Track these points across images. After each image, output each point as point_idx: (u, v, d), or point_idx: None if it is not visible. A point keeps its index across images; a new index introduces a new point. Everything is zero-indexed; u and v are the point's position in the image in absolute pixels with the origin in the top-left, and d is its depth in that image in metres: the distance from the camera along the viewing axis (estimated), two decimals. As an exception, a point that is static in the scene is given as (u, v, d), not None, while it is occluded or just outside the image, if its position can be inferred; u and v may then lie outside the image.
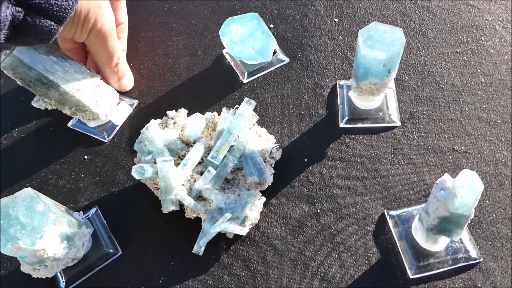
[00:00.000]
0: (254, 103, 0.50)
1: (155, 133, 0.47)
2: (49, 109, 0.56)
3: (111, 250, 0.49)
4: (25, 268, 0.45)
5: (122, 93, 0.62)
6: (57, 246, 0.43)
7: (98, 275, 0.48)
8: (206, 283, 0.46)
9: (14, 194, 0.43)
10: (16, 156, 0.59)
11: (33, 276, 0.45)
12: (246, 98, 0.50)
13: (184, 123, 0.50)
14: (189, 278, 0.47)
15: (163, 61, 0.65)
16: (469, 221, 0.38)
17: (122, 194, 0.54)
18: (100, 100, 0.57)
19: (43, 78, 0.51)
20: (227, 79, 0.62)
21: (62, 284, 0.48)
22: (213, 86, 0.61)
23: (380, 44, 0.45)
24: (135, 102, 0.62)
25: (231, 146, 0.48)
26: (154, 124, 0.48)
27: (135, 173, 0.45)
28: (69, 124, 0.61)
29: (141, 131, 0.49)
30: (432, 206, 0.39)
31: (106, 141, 0.59)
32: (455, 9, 0.62)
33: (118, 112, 0.59)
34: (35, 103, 0.55)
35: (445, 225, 0.39)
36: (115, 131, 0.59)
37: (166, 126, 0.50)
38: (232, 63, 0.63)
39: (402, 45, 0.45)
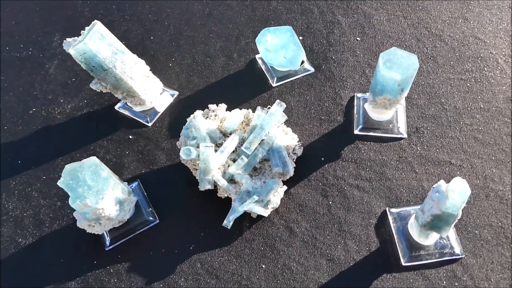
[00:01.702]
0: (284, 105, 0.58)
1: (201, 122, 0.55)
2: (103, 92, 0.64)
3: (151, 218, 0.58)
4: (82, 224, 0.53)
5: (165, 84, 0.70)
6: (112, 208, 0.51)
7: (138, 238, 0.57)
8: (230, 253, 0.55)
9: (82, 161, 0.51)
10: (68, 131, 0.67)
11: (87, 231, 0.53)
12: (277, 101, 0.58)
13: (223, 116, 0.59)
14: (215, 248, 0.55)
15: (202, 59, 0.73)
16: (456, 221, 0.46)
17: (161, 172, 0.62)
18: (148, 89, 0.65)
19: (104, 65, 0.59)
20: (258, 81, 0.70)
21: (107, 242, 0.56)
22: (245, 87, 0.69)
23: (397, 67, 0.54)
24: (176, 93, 0.70)
25: (262, 140, 0.56)
26: (199, 114, 0.57)
27: (183, 153, 0.53)
28: (116, 107, 0.69)
29: (187, 119, 0.58)
30: (427, 205, 0.48)
31: (148, 124, 0.67)
32: (465, 40, 0.70)
33: (161, 100, 0.68)
34: (93, 85, 0.63)
35: (437, 223, 0.47)
36: (156, 117, 0.68)
37: (208, 117, 0.58)
38: (263, 67, 0.71)
39: (416, 70, 0.54)
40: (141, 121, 0.67)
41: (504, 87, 0.64)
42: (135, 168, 0.63)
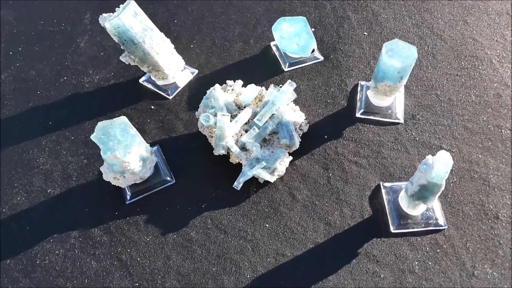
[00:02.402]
0: (294, 84, 0.64)
1: (219, 93, 0.62)
2: (131, 64, 0.71)
3: (168, 178, 0.64)
4: (108, 177, 0.59)
5: (186, 63, 0.77)
6: (137, 163, 0.58)
7: (155, 195, 0.63)
8: (238, 213, 0.61)
9: (112, 119, 0.57)
10: (95, 99, 0.74)
11: (112, 183, 0.60)
12: (289, 80, 0.64)
13: (239, 91, 0.65)
14: (225, 207, 0.61)
15: (221, 43, 0.80)
16: (440, 192, 0.52)
17: (179, 139, 0.68)
18: (171, 65, 0.71)
19: (135, 40, 0.66)
20: (271, 66, 0.76)
21: (128, 196, 0.62)
22: (259, 69, 0.76)
23: (398, 55, 0.60)
24: (196, 71, 0.76)
25: (272, 114, 0.63)
26: (218, 87, 0.63)
27: (202, 119, 0.59)
28: (141, 80, 0.76)
29: (207, 90, 0.64)
30: (416, 177, 0.54)
31: (169, 97, 0.73)
32: (463, 40, 0.76)
33: (182, 76, 0.74)
34: (122, 58, 0.70)
35: (423, 192, 0.53)
36: (177, 91, 0.74)
37: (226, 91, 0.65)
38: (277, 54, 0.77)
39: (414, 60, 0.60)
40: (162, 94, 0.74)
41: (495, 84, 0.70)
42: (156, 134, 0.69)
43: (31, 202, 0.63)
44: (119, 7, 0.66)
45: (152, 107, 0.72)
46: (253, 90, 0.64)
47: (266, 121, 0.62)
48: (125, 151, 0.55)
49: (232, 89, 0.65)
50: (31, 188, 0.64)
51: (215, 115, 0.61)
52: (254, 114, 0.64)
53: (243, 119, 0.62)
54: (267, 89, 0.67)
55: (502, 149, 0.64)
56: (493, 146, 0.64)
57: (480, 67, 0.73)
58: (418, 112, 0.69)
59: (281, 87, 0.65)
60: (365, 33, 0.79)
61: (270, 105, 0.63)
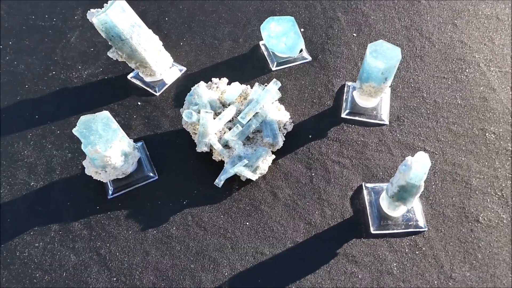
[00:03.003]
0: (279, 83, 0.64)
1: (203, 90, 0.62)
2: (119, 60, 0.71)
3: (151, 174, 0.64)
4: (89, 171, 0.59)
5: (175, 60, 0.77)
6: (118, 158, 0.58)
7: (137, 191, 0.63)
8: (219, 210, 0.61)
9: (94, 114, 0.58)
10: (83, 94, 0.74)
11: (94, 177, 0.60)
12: (274, 79, 0.64)
13: (224, 88, 0.65)
14: (206, 204, 0.61)
15: (210, 41, 0.80)
16: (419, 194, 0.52)
17: (164, 136, 0.68)
18: (159, 61, 0.71)
19: (122, 36, 0.66)
20: (259, 65, 0.76)
21: (110, 191, 0.63)
22: (247, 68, 0.76)
23: (382, 56, 0.60)
24: (184, 68, 0.77)
25: (256, 113, 0.63)
26: (202, 84, 0.63)
27: (185, 116, 0.59)
28: (129, 76, 0.76)
29: (192, 87, 0.64)
30: (396, 178, 0.54)
31: (156, 94, 0.73)
32: (451, 44, 0.76)
33: (170, 73, 0.74)
34: (110, 54, 0.70)
35: (402, 193, 0.53)
36: (164, 88, 0.74)
37: (210, 88, 0.65)
38: (265, 53, 0.77)
39: (398, 61, 0.60)
40: (150, 90, 0.74)
41: (481, 88, 0.70)
42: (141, 130, 0.69)
43: (13, 194, 0.63)
44: (107, 3, 0.66)
45: (139, 103, 0.73)
46: (237, 88, 0.64)
47: (250, 119, 0.62)
48: (106, 146, 0.55)
49: (217, 87, 0.65)
50: (14, 181, 0.65)
51: (199, 112, 0.62)
52: (239, 113, 0.64)
53: (226, 116, 0.62)
54: (252, 88, 0.68)
55: (486, 152, 0.64)
56: (476, 149, 0.64)
57: (467, 71, 0.73)
58: (403, 113, 0.69)
59: (266, 85, 0.65)
60: (354, 34, 0.79)
61: (254, 104, 0.63)
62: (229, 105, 0.65)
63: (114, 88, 0.75)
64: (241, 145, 0.61)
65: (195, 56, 0.78)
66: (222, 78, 0.67)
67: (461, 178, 0.62)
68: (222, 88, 0.65)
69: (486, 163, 0.63)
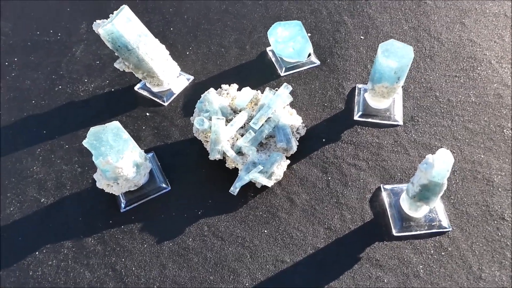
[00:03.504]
0: (290, 87, 0.63)
1: (214, 97, 0.61)
2: (126, 71, 0.70)
3: (163, 185, 0.63)
4: (101, 184, 0.58)
5: (182, 69, 0.76)
6: (130, 169, 0.56)
7: (150, 203, 0.61)
8: (235, 219, 0.59)
9: (105, 124, 0.56)
10: (90, 107, 0.73)
11: (105, 190, 0.58)
12: (284, 83, 0.63)
13: (235, 94, 0.64)
14: (222, 213, 0.60)
15: (216, 49, 0.79)
16: (442, 193, 0.51)
17: (174, 145, 0.67)
18: (166, 71, 0.71)
19: (129, 45, 0.65)
20: (267, 71, 0.75)
21: (123, 204, 0.61)
22: (255, 75, 0.75)
23: (394, 55, 0.59)
24: (191, 77, 0.76)
25: (268, 118, 0.62)
26: (213, 90, 0.62)
27: (196, 123, 0.58)
28: (136, 88, 0.75)
29: (202, 95, 0.63)
30: (417, 177, 0.52)
31: (164, 104, 0.72)
32: (461, 43, 0.76)
33: (177, 83, 0.73)
34: (117, 64, 0.69)
35: (424, 193, 0.52)
36: (172, 97, 0.73)
37: (221, 95, 0.64)
38: (273, 59, 0.77)
39: (411, 59, 0.59)
40: (158, 100, 0.73)
41: (495, 85, 0.69)
42: (151, 141, 0.68)
43: (24, 212, 0.62)
44: (113, 13, 0.66)
45: (147, 114, 0.71)
46: (248, 93, 0.63)
47: (262, 125, 0.61)
48: (118, 156, 0.54)
49: (227, 93, 0.64)
50: (24, 198, 0.63)
51: (210, 119, 0.60)
52: (250, 118, 0.63)
53: (238, 122, 0.61)
54: (263, 93, 0.66)
55: (505, 149, 0.62)
56: (495, 146, 0.63)
57: (479, 68, 0.72)
58: (417, 113, 0.67)
59: (277, 90, 0.64)
60: (362, 37, 0.78)
61: (266, 108, 0.62)
62: (240, 111, 0.63)
63: (122, 99, 0.73)
64: (255, 151, 0.59)
65: (202, 64, 0.77)
66: (232, 84, 0.66)
67: (482, 176, 0.60)
68: (232, 94, 0.64)
69: (507, 160, 0.61)
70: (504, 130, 0.64)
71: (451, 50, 0.75)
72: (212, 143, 0.59)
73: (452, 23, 0.79)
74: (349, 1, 0.84)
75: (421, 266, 0.54)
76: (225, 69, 0.76)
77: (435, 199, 0.52)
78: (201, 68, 0.77)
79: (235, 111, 0.64)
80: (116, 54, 0.68)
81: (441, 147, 0.63)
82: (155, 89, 0.73)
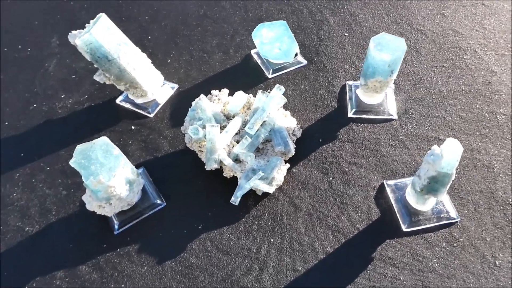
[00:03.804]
0: (283, 88, 0.61)
1: (206, 103, 0.58)
2: (107, 83, 0.66)
3: (158, 201, 0.59)
4: (92, 206, 0.54)
5: (165, 78, 0.73)
6: (123, 187, 0.53)
7: (146, 221, 0.58)
8: (238, 230, 0.56)
9: (92, 141, 0.52)
10: (70, 124, 0.68)
11: (97, 212, 0.54)
12: (277, 85, 0.61)
13: (226, 100, 0.62)
14: (224, 225, 0.57)
15: (199, 55, 0.77)
16: (450, 183, 0.50)
17: (165, 158, 0.64)
18: (150, 80, 0.67)
19: (109, 56, 0.62)
20: (254, 74, 0.73)
21: (116, 225, 0.57)
22: (242, 79, 0.72)
23: (386, 49, 0.58)
24: (176, 86, 0.72)
25: (264, 121, 0.59)
26: (204, 97, 0.59)
27: (191, 132, 0.55)
28: (118, 100, 0.71)
29: (192, 102, 0.60)
30: (423, 170, 0.51)
31: (150, 116, 0.69)
32: (444, 33, 0.76)
33: (162, 92, 0.70)
34: (96, 77, 0.65)
35: (433, 185, 0.50)
36: (158, 108, 0.70)
37: (212, 101, 0.61)
38: (259, 61, 0.75)
39: (404, 51, 0.58)
40: (142, 112, 0.69)
41: (482, 72, 0.70)
42: (139, 156, 0.64)
43: (7, 243, 0.56)
44: (89, 23, 0.62)
45: (133, 127, 0.68)
46: (241, 97, 0.60)
47: (258, 129, 0.59)
48: (109, 174, 0.50)
49: (219, 99, 0.61)
50: (6, 228, 0.58)
51: (204, 128, 0.57)
52: (244, 124, 0.60)
53: (233, 129, 0.58)
54: (254, 96, 0.64)
55: (500, 134, 0.62)
56: (490, 132, 0.63)
57: (464, 57, 0.72)
58: (410, 106, 0.67)
59: (269, 92, 0.62)
60: (346, 34, 0.77)
61: (261, 112, 0.59)
62: (233, 116, 0.61)
63: (103, 114, 0.69)
64: (253, 158, 0.57)
65: (186, 72, 0.74)
66: (222, 89, 0.63)
67: (482, 163, 0.60)
68: (224, 100, 0.62)
69: (504, 145, 0.61)
70: (497, 116, 0.64)
71: (435, 41, 0.75)
72: (208, 153, 0.56)
73: (433, 15, 0.79)
74: (328, -2, 0.83)
75: (435, 260, 0.52)
76: (210, 75, 0.74)
77: (444, 190, 0.51)
78: (185, 76, 0.74)
79: (228, 117, 0.61)
80: (95, 66, 0.64)
81: (438, 137, 0.63)
82: (139, 101, 0.69)
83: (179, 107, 0.69)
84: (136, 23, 0.81)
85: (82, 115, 0.69)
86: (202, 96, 0.60)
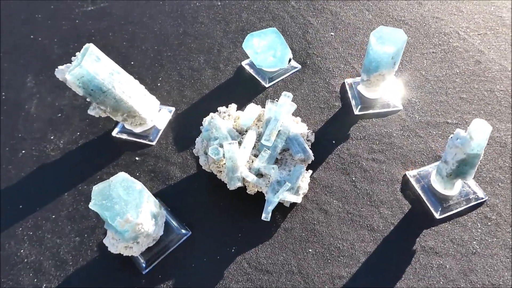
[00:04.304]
0: (291, 95, 0.60)
1: (220, 121, 0.55)
2: (102, 116, 0.62)
3: (183, 231, 0.55)
4: (117, 248, 0.50)
5: (160, 102, 0.69)
6: (149, 222, 0.49)
7: (174, 254, 0.54)
8: (274, 246, 0.54)
9: (109, 179, 0.49)
10: (67, 165, 0.64)
11: (124, 254, 0.50)
12: (284, 92, 0.60)
13: (236, 115, 0.59)
14: (257, 244, 0.54)
15: (189, 74, 0.74)
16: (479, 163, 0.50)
17: (178, 185, 0.60)
18: (147, 106, 0.64)
19: (103, 87, 0.58)
20: (250, 85, 0.72)
21: (143, 264, 0.53)
22: (239, 92, 0.71)
23: (388, 41, 0.58)
24: (173, 109, 0.69)
25: (278, 131, 0.58)
26: (216, 115, 0.57)
27: (212, 153, 0.52)
28: (114, 133, 0.67)
29: (203, 122, 0.58)
30: (450, 155, 0.51)
31: (152, 143, 0.65)
32: (425, 21, 0.78)
33: (161, 117, 0.67)
34: (91, 111, 0.61)
35: (462, 168, 0.51)
36: (159, 134, 0.66)
37: (222, 118, 0.59)
38: (252, 72, 0.73)
39: (405, 41, 0.59)
40: (143, 141, 0.65)
41: (470, 53, 0.72)
42: (151, 187, 0.60)
43: (23, 306, 0.51)
44: (75, 56, 0.58)
45: (137, 158, 0.64)
46: (253, 110, 0.58)
47: (275, 140, 0.57)
48: (137, 211, 0.47)
49: (228, 115, 0.59)
50: (18, 290, 0.52)
51: (221, 147, 0.55)
52: (258, 137, 0.58)
53: (250, 143, 0.56)
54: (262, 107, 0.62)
55: (503, 110, 0.64)
56: (493, 109, 0.65)
57: (450, 41, 0.74)
58: (412, 95, 0.68)
59: (277, 101, 0.60)
60: (332, 33, 0.78)
61: (274, 122, 0.57)
62: (246, 131, 0.59)
63: (102, 149, 0.65)
64: (276, 170, 0.55)
65: (179, 93, 0.71)
66: (230, 105, 0.61)
67: (493, 141, 0.61)
68: (234, 115, 0.59)
69: (509, 119, 0.63)
70: (495, 93, 0.66)
71: (419, 30, 0.76)
72: (230, 171, 0.54)
73: (410, 4, 0.81)
74: (307, 1, 0.83)
75: (474, 242, 0.53)
76: (206, 93, 0.71)
77: (473, 172, 0.51)
78: (180, 97, 0.71)
79: (240, 132, 0.59)
80: (87, 100, 0.60)
81: (446, 121, 0.64)
82: (137, 130, 0.66)
83: (180, 130, 0.67)
84: (114, 51, 0.78)
85: (77, 154, 0.65)
86: (214, 114, 0.57)
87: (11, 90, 0.73)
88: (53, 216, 0.58)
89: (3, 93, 0.73)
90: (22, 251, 0.55)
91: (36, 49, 0.80)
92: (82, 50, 0.58)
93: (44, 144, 0.66)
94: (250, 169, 0.56)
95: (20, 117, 0.69)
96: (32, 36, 0.83)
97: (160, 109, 0.68)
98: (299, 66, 0.73)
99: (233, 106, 0.61)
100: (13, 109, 0.71)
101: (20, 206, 0.59)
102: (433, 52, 0.73)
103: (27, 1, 0.91)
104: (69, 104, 0.71)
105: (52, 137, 0.67)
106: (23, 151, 0.65)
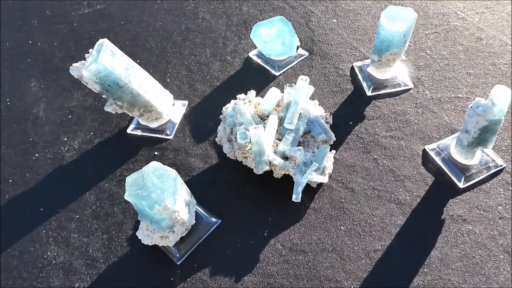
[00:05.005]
0: (308, 78, 0.60)
1: (244, 106, 0.56)
2: (119, 113, 0.61)
3: (213, 220, 0.55)
4: (153, 240, 0.49)
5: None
6: (184, 210, 0.49)
7: (206, 243, 0.54)
8: (305, 226, 0.54)
9: (142, 169, 0.48)
10: (84, 165, 0.62)
11: (160, 245, 0.49)
12: (300, 76, 0.60)
13: (257, 101, 0.60)
14: (289, 226, 0.54)
15: (197, 67, 0.74)
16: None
17: (202, 176, 0.60)
18: (162, 100, 0.63)
19: (120, 82, 0.58)
20: (260, 75, 0.72)
21: (177, 255, 0.52)
22: (250, 82, 0.71)
23: (399, 20, 0.60)
24: (186, 102, 0.69)
25: (299, 114, 0.58)
26: (239, 101, 0.57)
27: (240, 138, 0.52)
28: (129, 130, 0.66)
29: (223, 107, 0.58)
30: (471, 124, 0.53)
31: (170, 137, 0.65)
32: (423, 3, 0.80)
33: (175, 111, 0.66)
34: (108, 108, 0.60)
35: (484, 135, 0.52)
36: (175, 128, 0.66)
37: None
38: (260, 61, 0.74)
39: (415, 19, 0.60)
40: (160, 136, 0.65)
41: (470, 31, 0.74)
42: (174, 179, 0.60)
43: (57, 308, 0.50)
44: (89, 52, 0.57)
45: (156, 153, 0.63)
46: (275, 94, 0.58)
47: (296, 123, 0.57)
48: (174, 198, 0.46)
49: (249, 101, 0.59)
50: (50, 292, 0.51)
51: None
52: (279, 121, 0.59)
53: (273, 127, 0.56)
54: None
55: (509, 82, 0.67)
56: (500, 82, 0.67)
57: (450, 20, 0.76)
58: (420, 74, 0.69)
59: (294, 85, 0.61)
60: (334, 20, 0.79)
61: (295, 105, 0.58)
62: (267, 116, 0.59)
63: (118, 147, 0.64)
64: (302, 151, 0.55)
65: (190, 87, 0.71)
66: (249, 91, 0.61)
67: (504, 110, 0.63)
68: (254, 101, 0.60)
69: (516, 90, 0.65)
70: (500, 67, 0.69)
71: (419, 12, 0.79)
72: (257, 156, 0.54)
73: (406, -11, 0.83)
74: (306, -9, 0.84)
75: (500, 207, 0.54)
76: (217, 85, 0.71)
77: (494, 138, 0.53)
78: (191, 90, 0.71)
79: (262, 118, 0.59)
80: (104, 96, 0.59)
81: (457, 96, 0.66)
82: (153, 125, 0.65)
83: (196, 122, 0.66)
84: (121, 50, 0.77)
85: (94, 153, 0.64)
86: (237, 101, 0.57)
87: (15, 96, 0.72)
88: (77, 216, 0.57)
89: (8, 100, 0.71)
90: (48, 253, 0.54)
91: (36, 54, 0.78)
92: (96, 46, 0.58)
93: (58, 146, 0.65)
94: (275, 152, 0.56)
95: (28, 121, 0.68)
96: (30, 42, 0.82)
97: (173, 103, 0.68)
98: (307, 54, 0.74)
99: (252, 92, 0.61)
100: (20, 114, 0.69)
101: (41, 209, 0.58)
102: (435, 32, 0.75)
103: (21, 7, 0.89)
104: (78, 105, 0.70)
105: (65, 139, 0.65)
106: (37, 155, 0.64)
